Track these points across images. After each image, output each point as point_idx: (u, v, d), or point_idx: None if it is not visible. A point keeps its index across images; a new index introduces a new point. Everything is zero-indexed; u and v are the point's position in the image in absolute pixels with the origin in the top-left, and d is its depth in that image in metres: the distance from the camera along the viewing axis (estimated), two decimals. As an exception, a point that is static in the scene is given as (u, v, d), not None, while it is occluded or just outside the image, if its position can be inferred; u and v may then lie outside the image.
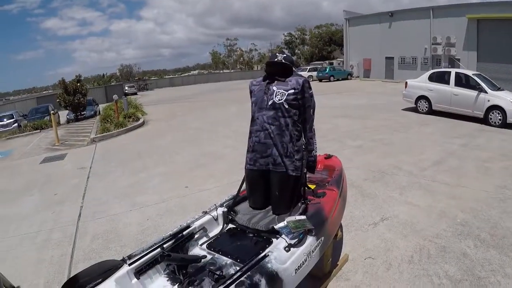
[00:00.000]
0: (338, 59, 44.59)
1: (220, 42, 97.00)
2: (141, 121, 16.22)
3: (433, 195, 5.14)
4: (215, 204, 3.22)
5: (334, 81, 32.80)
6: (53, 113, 14.14)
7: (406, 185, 5.59)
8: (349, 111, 13.61)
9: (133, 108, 18.98)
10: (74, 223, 5.59)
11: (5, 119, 20.17)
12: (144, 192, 6.68)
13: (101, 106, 23.68)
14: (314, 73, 35.52)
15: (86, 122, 19.12)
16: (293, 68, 3.03)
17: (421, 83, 12.32)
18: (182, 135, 12.25)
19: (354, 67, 35.49)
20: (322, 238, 2.75)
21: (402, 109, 12.86)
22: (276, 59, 2.94)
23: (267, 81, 3.02)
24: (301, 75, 3.06)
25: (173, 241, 2.73)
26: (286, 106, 2.87)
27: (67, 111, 21.03)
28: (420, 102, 12.20)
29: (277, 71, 2.97)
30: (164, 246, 2.66)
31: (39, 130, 17.12)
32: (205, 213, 3.11)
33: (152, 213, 5.58)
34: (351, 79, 33.94)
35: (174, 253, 2.61)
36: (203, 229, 2.99)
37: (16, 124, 19.60)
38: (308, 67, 39.34)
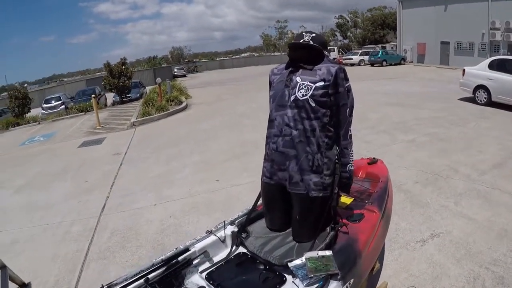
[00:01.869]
0: (391, 43, 42.40)
1: (270, 25, 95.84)
2: (183, 104, 16.03)
3: (493, 207, 4.28)
4: (223, 221, 2.58)
5: (386, 66, 31.04)
6: (93, 97, 14.21)
7: (462, 192, 4.75)
8: (401, 99, 12.55)
9: (177, 91, 18.83)
10: (97, 215, 5.41)
11: (53, 101, 20.78)
12: (173, 184, 6.35)
13: (148, 89, 23.82)
14: (366, 57, 34.04)
15: (130, 105, 19.28)
16: (325, 53, 2.31)
17: (480, 71, 11.00)
18: (224, 121, 11.83)
19: (407, 51, 33.46)
20: (352, 280, 2.05)
21: (459, 99, 11.62)
22: (302, 40, 2.26)
23: (290, 69, 2.32)
24: (335, 62, 2.32)
25: (164, 268, 2.19)
26: (313, 104, 2.15)
27: (113, 94, 21.29)
28: (479, 92, 10.91)
29: (302, 56, 2.26)
30: (154, 273, 2.14)
31: (83, 113, 17.44)
32: (210, 232, 2.48)
33: (176, 210, 5.22)
34: (404, 64, 31.94)
35: (163, 285, 2.11)
36: (206, 252, 2.39)
37: (63, 106, 20.14)
38: (360, 51, 37.80)
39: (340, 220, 2.26)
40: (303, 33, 2.34)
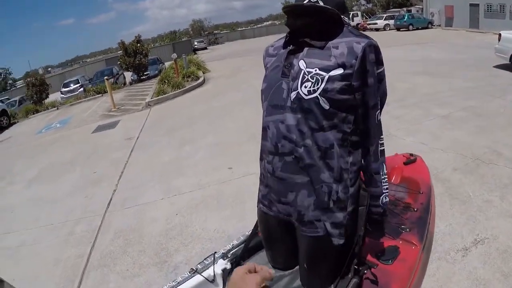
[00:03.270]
0: (416, 6, 40.39)
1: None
2: (200, 80, 15.49)
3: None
4: (213, 254, 1.91)
5: (413, 30, 29.62)
6: (106, 79, 13.85)
7: (508, 182, 4.01)
8: (430, 67, 11.54)
9: (195, 66, 18.24)
10: (102, 213, 5.09)
11: (71, 85, 20.73)
12: (183, 173, 5.93)
13: (167, 64, 23.30)
14: (392, 21, 32.70)
15: (148, 83, 18.85)
16: (344, 19, 1.46)
17: (518, 36, 10.00)
18: (242, 96, 11.22)
19: (434, 14, 31.69)
20: None
21: (494, 66, 10.54)
22: (306, 0, 1.41)
23: (290, 47, 1.47)
24: (361, 33, 1.43)
25: None
26: (326, 106, 1.35)
27: (131, 73, 20.94)
28: (517, 59, 9.91)
29: (308, 25, 1.42)
30: None
31: (101, 94, 17.18)
32: (195, 271, 1.84)
33: (183, 205, 4.80)
34: (431, 28, 30.31)
35: None
36: None
37: (81, 89, 20.05)
38: (385, 15, 36.22)
39: (367, 259, 1.62)
40: None
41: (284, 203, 1.50)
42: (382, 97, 1.49)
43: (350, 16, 40.30)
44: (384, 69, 1.44)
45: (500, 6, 24.52)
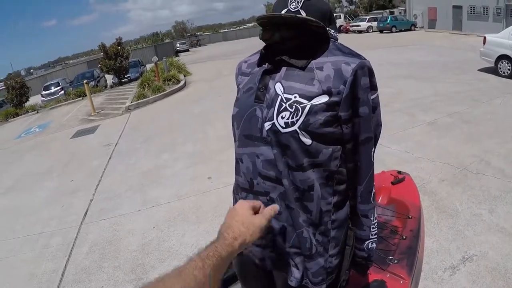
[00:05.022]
0: (398, 8, 40.78)
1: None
2: (181, 83, 15.31)
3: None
4: None
5: (396, 32, 29.82)
6: (85, 83, 13.55)
7: (497, 194, 3.90)
8: (415, 70, 11.53)
9: (176, 68, 17.97)
10: (78, 224, 4.89)
11: (52, 88, 20.37)
12: (161, 183, 5.73)
13: (149, 67, 22.96)
14: (374, 24, 32.95)
15: (129, 86, 18.56)
16: (331, 32, 1.23)
17: (503, 39, 9.90)
18: (222, 100, 10.95)
19: (418, 16, 32.01)
20: None
21: (479, 70, 10.56)
22: (285, 10, 1.19)
23: (265, 65, 1.24)
24: (351, 51, 1.19)
25: None
26: (308, 141, 1.13)
27: (112, 75, 20.59)
28: (502, 63, 9.84)
29: (287, 40, 1.18)
30: None
31: (81, 98, 16.80)
32: None
33: (161, 218, 4.61)
34: (414, 30, 30.61)
35: None
36: None
37: (62, 92, 19.73)
38: (368, 17, 36.39)
39: None
40: None
41: (258, 245, 1.28)
42: (376, 129, 1.26)
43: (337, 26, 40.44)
44: (378, 94, 1.22)
45: (484, 8, 24.73)
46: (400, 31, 30.04)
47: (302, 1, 1.17)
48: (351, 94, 1.11)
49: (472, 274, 2.85)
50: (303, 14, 1.16)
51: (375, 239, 1.30)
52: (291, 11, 1.17)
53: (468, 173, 4.45)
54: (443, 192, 4.10)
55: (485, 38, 10.56)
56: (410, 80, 10.27)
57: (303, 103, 1.11)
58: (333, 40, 1.22)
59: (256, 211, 1.04)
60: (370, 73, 1.16)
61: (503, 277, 2.79)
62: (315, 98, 1.11)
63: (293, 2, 1.18)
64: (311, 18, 1.11)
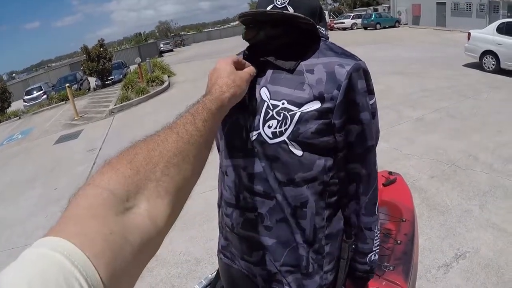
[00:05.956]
0: (382, 4, 41.07)
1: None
2: (165, 84, 15.12)
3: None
4: None
5: (380, 28, 29.89)
6: (68, 87, 13.30)
7: (487, 189, 3.88)
8: (402, 66, 11.55)
9: (160, 69, 17.78)
10: None
11: (34, 92, 19.88)
12: (146, 188, 5.54)
13: (132, 68, 22.69)
14: (359, 21, 32.92)
15: (112, 88, 18.26)
16: (321, 30, 1.12)
17: (487, 35, 9.99)
18: (208, 101, 10.89)
19: (402, 13, 32.23)
20: None
21: (464, 65, 10.65)
22: (271, 6, 1.07)
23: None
24: (344, 51, 1.09)
25: None
26: (299, 153, 1.03)
27: (95, 78, 20.26)
28: (486, 58, 9.94)
29: (273, 40, 1.08)
30: None
31: (64, 102, 16.48)
32: None
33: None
34: (399, 26, 30.76)
35: None
36: None
37: (45, 96, 19.22)
38: (352, 14, 36.59)
39: None
40: None
41: (248, 262, 1.20)
42: (376, 134, 1.16)
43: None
44: (375, 99, 1.13)
45: (467, 4, 25.07)
46: (385, 27, 30.13)
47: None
48: (346, 99, 1.02)
49: (466, 271, 2.82)
50: (291, 10, 1.05)
51: (377, 251, 1.23)
52: (278, 7, 1.07)
53: (457, 169, 4.44)
54: (433, 189, 4.07)
55: (469, 34, 10.67)
56: (397, 76, 10.27)
57: (292, 111, 1.02)
58: (323, 39, 1.13)
59: (239, 67, 1.00)
60: (366, 76, 1.07)
61: (496, 273, 2.76)
62: (305, 105, 1.01)
63: None
64: (299, 14, 1.01)
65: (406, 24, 31.45)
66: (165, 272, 3.50)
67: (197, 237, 3.93)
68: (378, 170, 2.29)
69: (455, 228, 3.33)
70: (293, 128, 1.01)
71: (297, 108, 1.01)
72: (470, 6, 24.85)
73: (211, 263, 3.40)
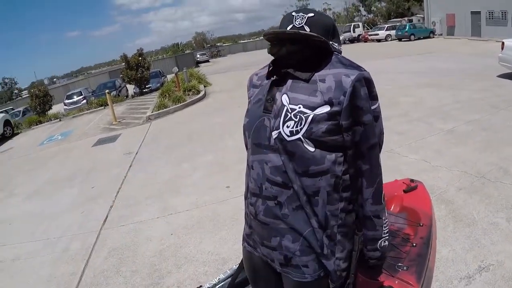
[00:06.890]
0: (417, 15, 40.42)
1: (293, 4, 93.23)
2: (201, 94, 15.50)
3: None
4: None
5: (414, 40, 29.60)
6: (107, 93, 13.87)
7: (517, 203, 3.88)
8: (436, 78, 11.37)
9: (196, 79, 18.22)
10: (97, 229, 5.01)
11: (74, 97, 20.84)
12: (180, 192, 5.80)
13: (169, 77, 23.36)
14: (393, 32, 32.94)
15: (149, 96, 18.87)
16: (334, 45, 1.32)
17: (522, 44, 9.78)
18: (242, 112, 10.81)
19: (436, 24, 31.75)
20: None
21: (498, 76, 10.34)
22: (290, 26, 1.28)
23: (273, 78, 1.35)
24: (352, 63, 1.27)
25: None
26: (311, 149, 1.23)
27: (133, 85, 20.96)
28: (521, 68, 9.70)
29: (292, 55, 1.27)
30: None
31: (103, 107, 17.15)
32: None
33: (179, 225, 4.67)
34: (433, 37, 30.29)
35: None
36: None
37: (84, 101, 20.16)
38: (386, 25, 36.48)
39: None
40: (293, 14, 1.31)
41: (268, 247, 1.38)
42: (380, 137, 1.34)
43: (342, 38, 40.09)
44: (379, 104, 1.30)
45: (502, 13, 24.28)
46: (419, 38, 29.83)
47: (306, 17, 1.28)
48: (350, 104, 1.21)
49: (488, 284, 2.82)
50: (307, 29, 1.26)
51: (387, 237, 1.39)
52: (296, 27, 1.28)
53: (486, 181, 4.40)
54: (460, 201, 4.06)
55: (503, 43, 10.31)
56: (430, 88, 10.15)
57: (307, 113, 1.22)
58: (336, 53, 1.31)
59: None
60: (369, 84, 1.25)
61: (521, 288, 2.75)
62: (318, 108, 1.22)
63: (298, 18, 1.29)
64: (313, 34, 1.22)
65: (441, 34, 30.92)
66: (192, 269, 3.67)
67: (226, 238, 4.10)
68: (400, 178, 2.39)
69: (480, 240, 3.33)
70: (307, 128, 1.21)
71: (311, 111, 1.22)
72: (505, 15, 24.04)
73: (238, 263, 3.54)
